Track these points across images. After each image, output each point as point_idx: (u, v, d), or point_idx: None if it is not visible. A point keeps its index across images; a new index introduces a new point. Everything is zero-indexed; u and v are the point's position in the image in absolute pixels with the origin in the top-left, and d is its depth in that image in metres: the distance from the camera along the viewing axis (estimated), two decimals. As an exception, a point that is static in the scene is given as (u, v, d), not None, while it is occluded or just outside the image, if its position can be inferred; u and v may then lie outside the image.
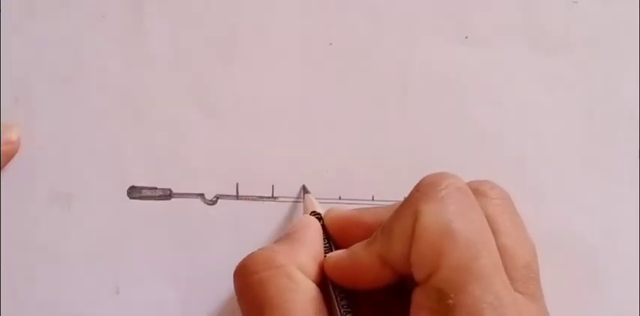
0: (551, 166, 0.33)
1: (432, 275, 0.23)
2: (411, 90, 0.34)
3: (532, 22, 0.34)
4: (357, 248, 0.26)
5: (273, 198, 0.33)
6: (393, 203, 0.29)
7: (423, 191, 0.24)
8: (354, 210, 0.29)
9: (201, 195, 0.33)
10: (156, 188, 0.33)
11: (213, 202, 0.33)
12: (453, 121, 0.34)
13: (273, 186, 0.33)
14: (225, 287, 0.32)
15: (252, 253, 0.26)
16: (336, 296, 0.26)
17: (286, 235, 0.28)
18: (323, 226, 0.29)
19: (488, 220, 0.24)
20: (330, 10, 0.34)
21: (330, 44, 0.34)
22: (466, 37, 0.34)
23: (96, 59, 0.33)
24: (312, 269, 0.26)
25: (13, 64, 0.33)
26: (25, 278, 0.32)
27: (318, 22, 0.34)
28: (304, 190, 0.33)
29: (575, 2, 0.34)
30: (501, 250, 0.24)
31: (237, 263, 0.31)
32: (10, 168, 0.33)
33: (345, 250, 0.26)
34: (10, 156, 0.32)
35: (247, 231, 0.32)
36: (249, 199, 0.33)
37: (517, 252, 0.24)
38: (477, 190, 0.26)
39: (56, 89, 0.33)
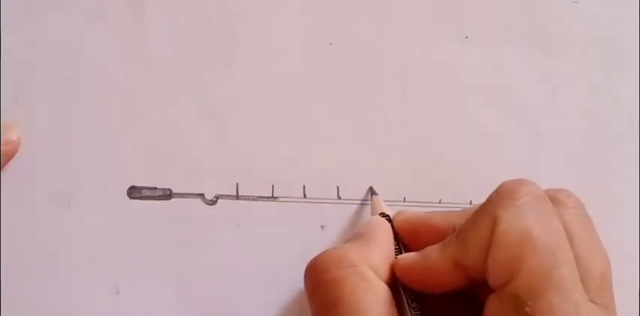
0: (550, 166, 0.34)
1: (510, 282, 0.23)
2: (410, 90, 0.34)
3: (532, 22, 0.34)
4: (431, 251, 0.26)
5: (273, 198, 0.33)
6: (462, 208, 0.29)
7: (501, 197, 0.24)
8: (423, 212, 0.29)
9: (201, 195, 0.33)
10: (156, 188, 0.33)
11: (213, 202, 0.33)
12: (452, 121, 0.34)
13: (273, 186, 0.33)
14: (224, 287, 0.32)
15: (324, 252, 0.26)
16: (406, 298, 0.26)
17: (357, 235, 0.28)
18: (392, 228, 0.29)
19: (564, 229, 0.24)
20: (330, 10, 0.34)
21: (330, 44, 0.34)
22: (466, 37, 0.34)
23: (96, 59, 0.33)
24: (384, 270, 0.26)
25: (13, 64, 0.33)
26: (25, 278, 0.32)
27: (318, 22, 0.34)
28: (372, 191, 0.33)
29: (575, 2, 0.34)
30: (577, 260, 0.24)
31: (236, 264, 0.31)
32: (10, 168, 0.33)
33: (416, 253, 0.26)
34: (10, 156, 0.32)
35: (247, 231, 0.32)
36: (249, 199, 0.33)
37: (592, 263, 0.24)
38: (553, 198, 0.26)
39: (56, 89, 0.33)
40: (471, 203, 0.33)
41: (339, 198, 0.33)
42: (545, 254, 0.23)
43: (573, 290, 0.22)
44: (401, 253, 0.28)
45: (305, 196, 0.33)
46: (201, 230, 0.33)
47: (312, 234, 0.33)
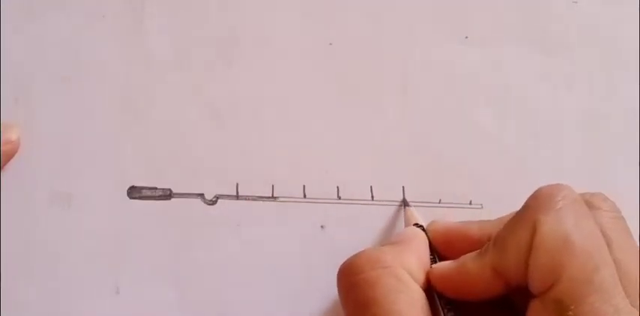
0: (550, 166, 0.33)
1: (552, 287, 0.23)
2: (410, 90, 0.34)
3: (532, 22, 0.34)
4: (467, 259, 0.26)
5: (273, 198, 0.33)
6: (499, 217, 0.29)
7: (540, 202, 0.24)
8: (457, 222, 0.29)
9: (201, 195, 0.33)
10: (156, 188, 0.33)
11: (213, 202, 0.33)
12: (452, 121, 0.34)
13: (273, 186, 0.33)
14: (224, 287, 0.32)
15: (359, 252, 0.26)
16: (442, 307, 0.26)
17: (392, 242, 0.28)
18: (427, 238, 0.29)
19: (602, 233, 0.24)
20: (330, 10, 0.34)
21: (330, 44, 0.34)
22: (466, 37, 0.34)
23: (96, 59, 0.33)
24: (420, 275, 0.26)
25: (13, 64, 0.33)
26: (25, 278, 0.32)
27: (318, 22, 0.34)
28: (405, 203, 0.33)
29: (575, 2, 0.34)
30: (616, 264, 0.24)
31: (236, 264, 0.31)
32: (10, 168, 0.33)
33: (452, 261, 0.26)
34: (10, 155, 0.32)
35: (247, 231, 0.32)
36: (249, 199, 0.33)
37: (630, 266, 0.24)
38: (589, 202, 0.26)
39: (56, 89, 0.33)
40: (470, 203, 0.33)
41: (339, 198, 0.33)
42: (585, 258, 0.23)
43: (615, 294, 0.22)
44: (435, 263, 0.28)
45: (305, 196, 0.33)
46: (201, 230, 0.33)
47: (312, 234, 0.32)
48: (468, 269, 0.25)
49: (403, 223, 0.32)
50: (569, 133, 0.34)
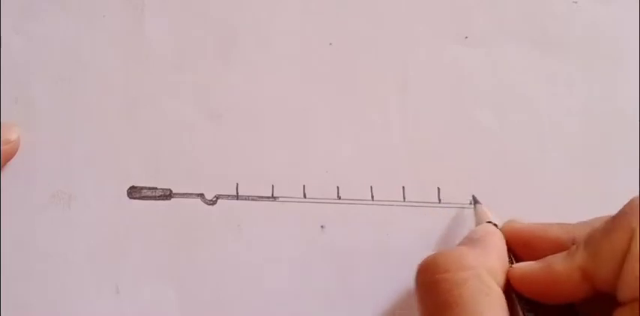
0: (550, 165, 0.33)
1: None
2: (410, 89, 0.34)
3: (532, 22, 0.34)
4: (554, 260, 0.25)
5: (273, 198, 0.33)
6: (580, 221, 0.28)
7: (638, 210, 0.24)
8: (537, 223, 0.29)
9: (201, 195, 0.33)
10: (156, 188, 0.33)
11: (213, 202, 0.33)
12: (453, 121, 0.34)
13: (273, 186, 0.33)
14: (224, 287, 0.32)
15: (441, 252, 0.26)
16: (521, 308, 0.25)
17: (471, 240, 0.27)
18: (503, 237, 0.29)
19: None
20: (330, 10, 0.34)
21: (330, 44, 0.34)
22: (466, 37, 0.34)
23: (96, 59, 0.33)
24: (500, 276, 0.26)
25: (13, 63, 0.33)
26: (25, 278, 0.32)
27: (318, 21, 0.34)
28: (475, 200, 0.32)
29: (575, 2, 0.34)
30: None
31: (236, 264, 0.31)
32: (10, 168, 0.33)
33: (536, 262, 0.26)
34: (10, 155, 0.32)
35: (247, 231, 0.32)
36: (249, 199, 0.33)
37: None
38: None
39: (56, 89, 0.33)
40: (470, 203, 0.33)
41: (339, 198, 0.33)
42: None
43: None
44: (511, 262, 0.27)
45: (305, 196, 0.33)
46: (201, 230, 0.33)
47: (312, 234, 0.32)
48: (555, 270, 0.25)
49: (474, 222, 0.32)
50: (570, 132, 0.34)
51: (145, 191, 0.33)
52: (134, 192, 0.33)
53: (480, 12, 0.34)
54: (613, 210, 0.33)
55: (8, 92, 0.33)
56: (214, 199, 0.33)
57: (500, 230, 0.29)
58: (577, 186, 0.33)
